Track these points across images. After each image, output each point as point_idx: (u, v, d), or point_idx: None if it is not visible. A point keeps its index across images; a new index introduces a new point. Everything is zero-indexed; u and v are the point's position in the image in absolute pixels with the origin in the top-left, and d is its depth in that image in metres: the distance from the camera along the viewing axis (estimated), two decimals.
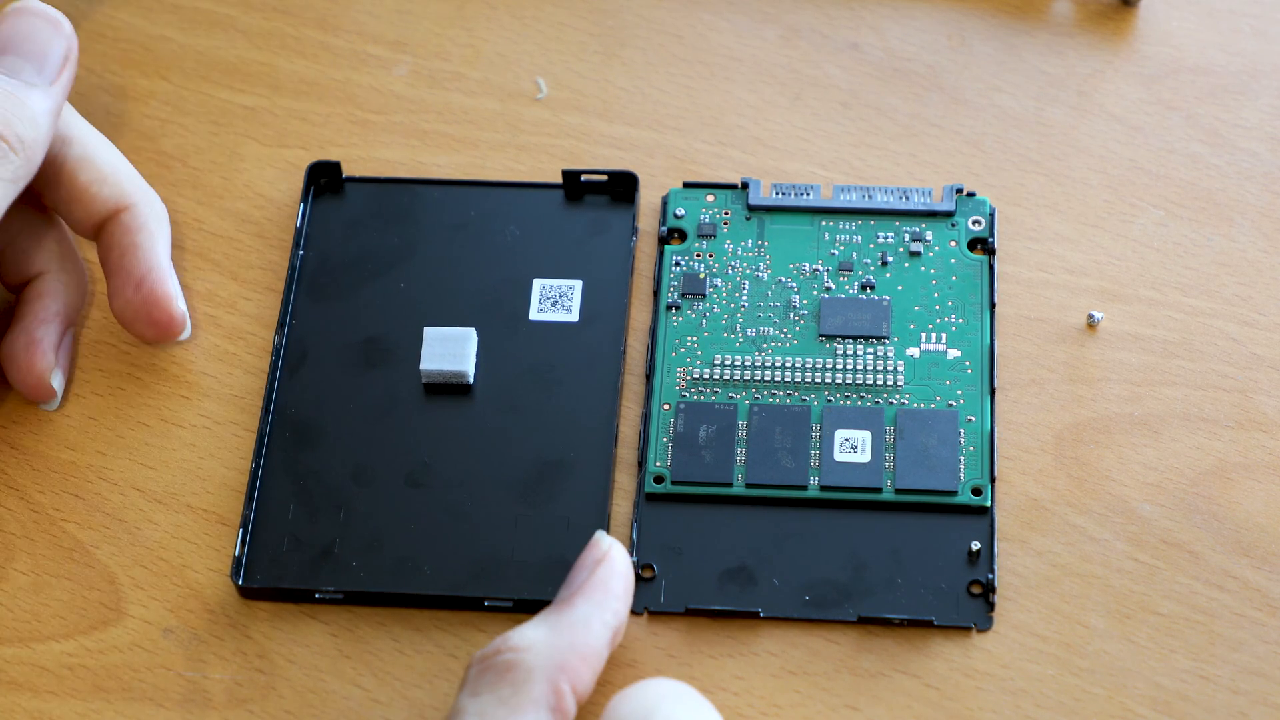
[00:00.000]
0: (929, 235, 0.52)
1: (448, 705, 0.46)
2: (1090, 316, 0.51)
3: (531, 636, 0.43)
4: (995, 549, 0.48)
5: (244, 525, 0.49)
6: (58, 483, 0.50)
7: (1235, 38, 0.56)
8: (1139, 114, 0.55)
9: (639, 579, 0.48)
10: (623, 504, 0.49)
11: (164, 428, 0.51)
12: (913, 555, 0.48)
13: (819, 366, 0.50)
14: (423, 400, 0.51)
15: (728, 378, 0.50)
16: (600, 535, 0.46)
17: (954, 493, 0.48)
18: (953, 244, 0.52)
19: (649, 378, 0.50)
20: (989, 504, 0.48)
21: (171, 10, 0.58)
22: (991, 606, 0.47)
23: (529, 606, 0.47)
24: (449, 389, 0.51)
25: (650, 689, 0.42)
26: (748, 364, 0.51)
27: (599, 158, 0.55)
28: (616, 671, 0.47)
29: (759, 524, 0.48)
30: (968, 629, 0.47)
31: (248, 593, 0.48)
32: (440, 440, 0.50)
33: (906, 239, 0.52)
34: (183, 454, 0.50)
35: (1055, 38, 0.56)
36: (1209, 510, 0.48)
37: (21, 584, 0.49)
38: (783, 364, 0.50)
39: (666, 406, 0.50)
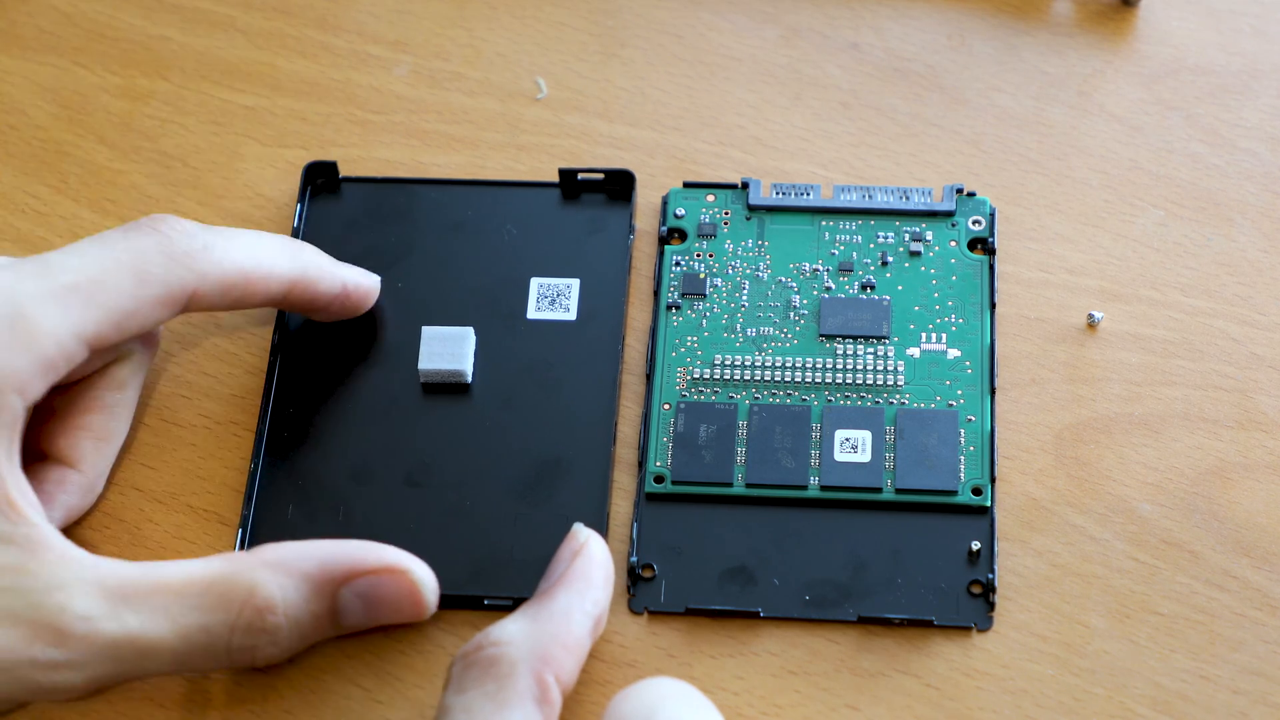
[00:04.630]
0: (929, 235, 0.52)
1: None
2: (1090, 316, 0.51)
3: (513, 630, 0.43)
4: (995, 549, 0.48)
5: (243, 525, 0.49)
6: None
7: (1235, 37, 0.56)
8: (1139, 114, 0.55)
9: (639, 579, 0.48)
10: (622, 503, 0.49)
11: (164, 427, 0.51)
12: (913, 555, 0.48)
13: (819, 366, 0.50)
14: (421, 399, 0.51)
15: (728, 377, 0.50)
16: (578, 527, 0.46)
17: (954, 492, 0.48)
18: (953, 244, 0.52)
19: (649, 377, 0.50)
20: (989, 504, 0.48)
21: (171, 10, 0.58)
22: (991, 606, 0.47)
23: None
24: (447, 388, 0.51)
25: (652, 688, 0.42)
26: (748, 364, 0.51)
27: (599, 158, 0.55)
28: (616, 671, 0.47)
29: (759, 524, 0.48)
30: (968, 629, 0.47)
31: None
32: (438, 439, 0.50)
33: (907, 239, 0.52)
34: (183, 454, 0.50)
35: (1055, 38, 0.56)
36: (1209, 510, 0.48)
37: None
38: (783, 364, 0.50)
39: (667, 406, 0.50)
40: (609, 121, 0.56)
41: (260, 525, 0.49)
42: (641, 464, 0.49)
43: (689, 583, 0.48)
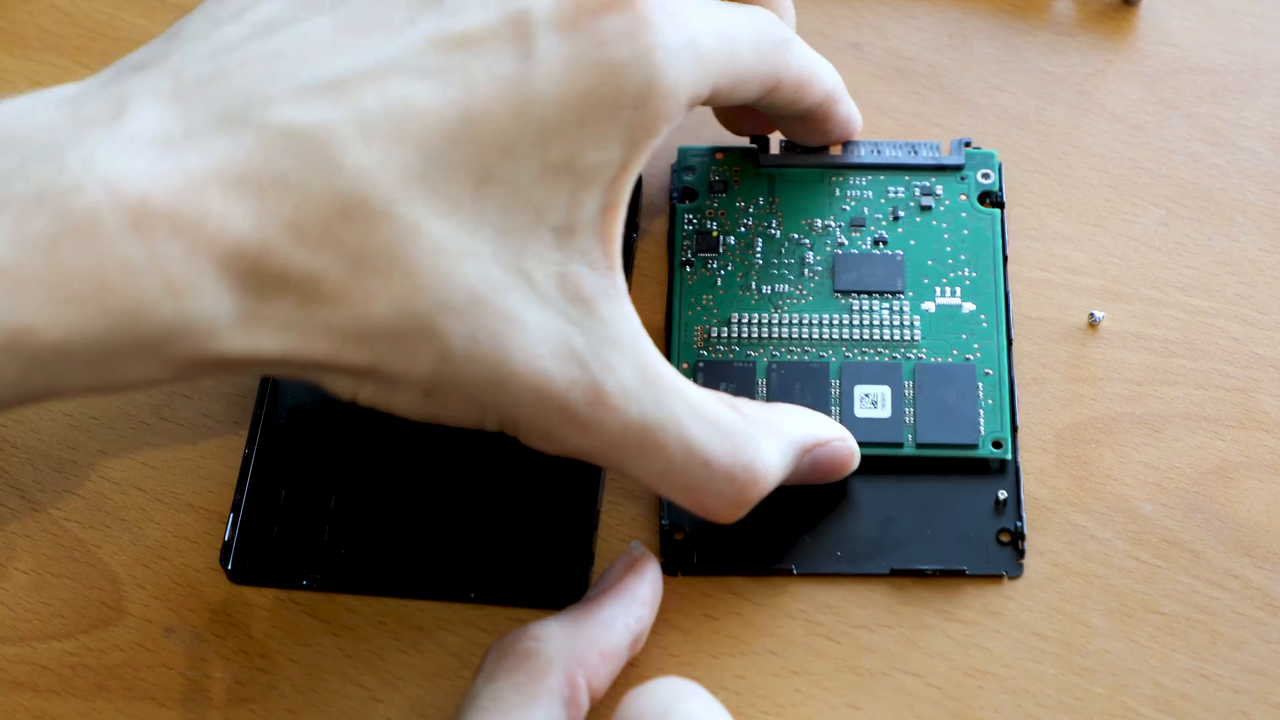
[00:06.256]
0: (939, 189, 0.52)
1: (449, 704, 0.46)
2: (1091, 315, 0.51)
3: (553, 629, 0.44)
4: (1021, 497, 0.48)
5: (235, 510, 0.49)
6: (59, 481, 0.50)
7: (1236, 37, 0.56)
8: (1140, 113, 0.55)
9: (671, 541, 0.48)
10: (623, 501, 0.49)
11: (165, 427, 0.51)
12: (940, 507, 0.48)
13: (836, 323, 0.50)
14: None
15: (745, 335, 0.50)
16: (634, 545, 0.47)
17: (975, 446, 0.48)
18: (963, 197, 0.52)
19: (667, 337, 0.50)
20: (1010, 456, 0.48)
21: (174, 10, 0.58)
22: (1021, 554, 0.47)
23: (516, 600, 0.47)
24: None
25: (664, 687, 0.42)
26: (764, 321, 0.50)
27: None
28: (620, 671, 0.47)
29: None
30: (999, 577, 0.47)
31: (236, 577, 0.48)
32: (434, 431, 0.50)
33: (917, 193, 0.52)
34: (184, 453, 0.50)
35: (1056, 37, 0.56)
36: (1210, 510, 0.48)
37: (23, 583, 0.49)
38: (799, 321, 0.50)
39: (685, 366, 0.50)
40: None
41: (251, 511, 0.49)
42: None
43: (720, 544, 0.48)
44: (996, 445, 0.48)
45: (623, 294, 0.42)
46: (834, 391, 0.49)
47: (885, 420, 0.49)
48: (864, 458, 0.48)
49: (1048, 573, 0.48)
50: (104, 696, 0.47)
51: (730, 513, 0.44)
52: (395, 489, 0.49)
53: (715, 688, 0.46)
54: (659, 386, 0.42)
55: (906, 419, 0.49)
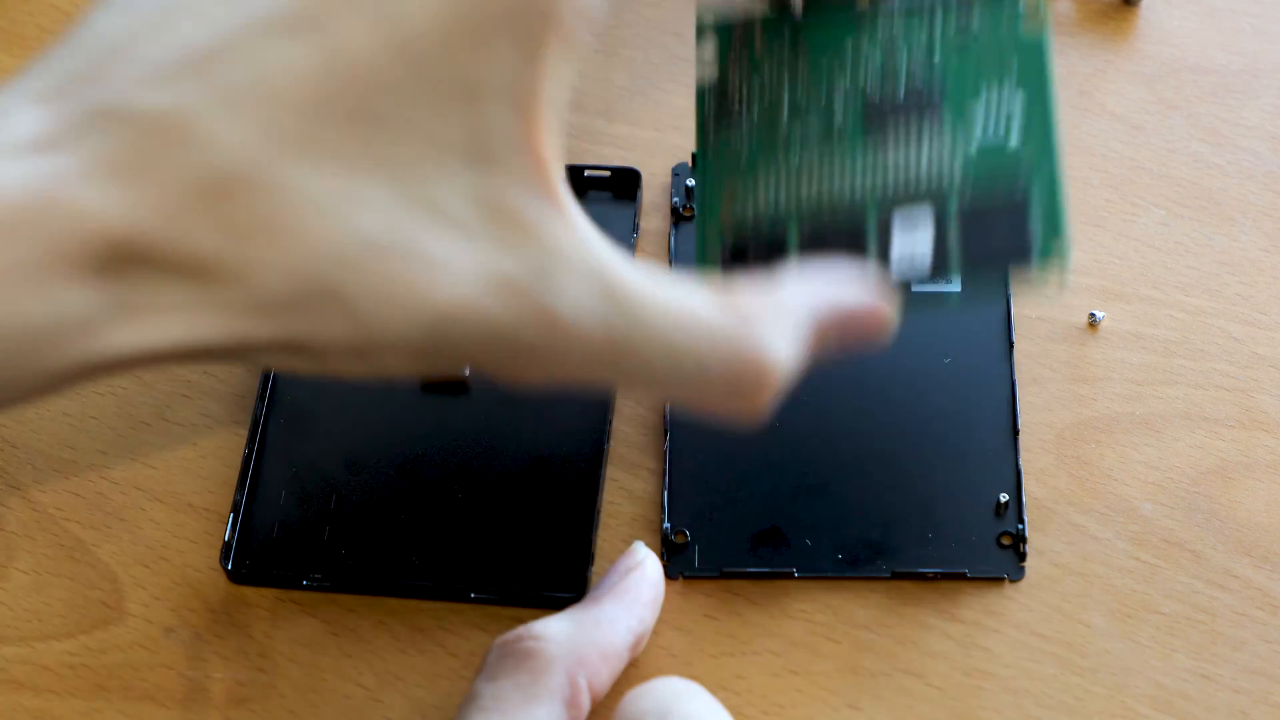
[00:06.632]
0: (977, 22, 0.47)
1: (449, 704, 0.46)
2: (1091, 316, 0.51)
3: (555, 628, 0.44)
4: (1024, 500, 0.48)
5: (235, 510, 0.49)
6: (59, 481, 0.50)
7: (1236, 37, 0.56)
8: (1140, 113, 0.55)
9: (673, 545, 0.48)
10: (622, 502, 0.49)
11: (165, 426, 0.51)
12: (941, 509, 0.48)
13: (871, 177, 0.45)
14: (419, 394, 0.51)
15: (775, 198, 0.46)
16: (637, 545, 0.47)
17: (1028, 259, 0.44)
18: (1004, 27, 0.47)
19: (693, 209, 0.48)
20: (1067, 255, 0.44)
21: None
22: (1022, 557, 0.47)
23: (516, 600, 0.47)
24: (445, 386, 0.51)
25: (664, 686, 0.42)
26: (795, 182, 0.46)
27: (601, 157, 0.55)
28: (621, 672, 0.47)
29: (788, 483, 0.48)
30: (1000, 580, 0.47)
31: (236, 577, 0.48)
32: (434, 433, 0.50)
33: (953, 31, 0.47)
34: (184, 452, 0.50)
35: (1057, 37, 0.56)
36: (1210, 510, 0.48)
37: (23, 583, 0.49)
38: (832, 177, 0.46)
39: (712, 236, 0.46)
40: (610, 121, 0.56)
41: (252, 511, 0.49)
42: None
43: (722, 546, 0.48)
44: (1050, 263, 0.43)
45: (566, 208, 0.39)
46: (872, 247, 0.44)
47: (926, 270, 0.44)
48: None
49: (1048, 573, 0.48)
50: (104, 696, 0.47)
51: (749, 412, 0.41)
52: (395, 489, 0.49)
53: (715, 688, 0.46)
54: (624, 298, 0.39)
55: (952, 253, 0.44)
